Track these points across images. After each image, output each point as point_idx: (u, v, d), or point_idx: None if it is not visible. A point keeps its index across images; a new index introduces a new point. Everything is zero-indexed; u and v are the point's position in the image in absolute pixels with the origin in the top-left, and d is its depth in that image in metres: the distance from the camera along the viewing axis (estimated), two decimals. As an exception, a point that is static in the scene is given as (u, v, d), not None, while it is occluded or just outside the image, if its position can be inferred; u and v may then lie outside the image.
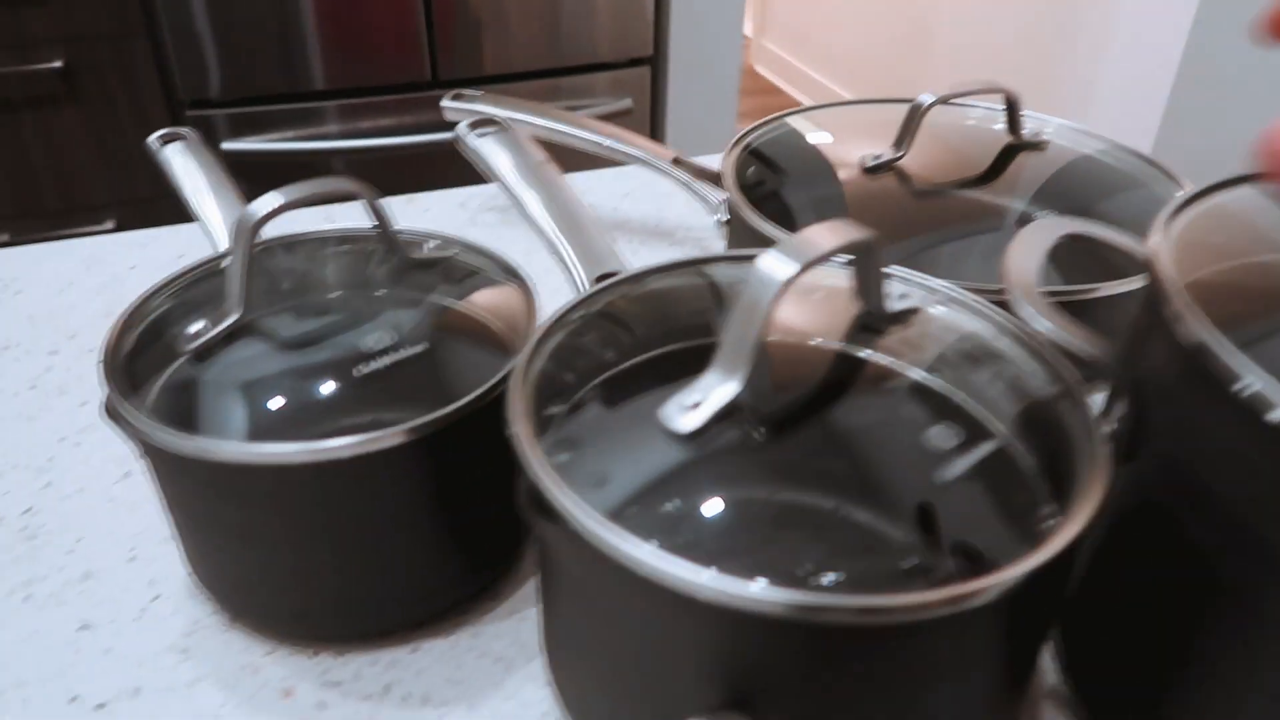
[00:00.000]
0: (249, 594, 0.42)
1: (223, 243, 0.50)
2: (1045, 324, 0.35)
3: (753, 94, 3.33)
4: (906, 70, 2.76)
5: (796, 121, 0.68)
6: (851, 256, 0.36)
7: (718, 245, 0.73)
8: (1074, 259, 0.47)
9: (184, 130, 0.57)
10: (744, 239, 0.58)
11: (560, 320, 0.38)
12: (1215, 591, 0.32)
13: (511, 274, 0.45)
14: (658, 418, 0.32)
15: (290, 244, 0.45)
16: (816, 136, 0.67)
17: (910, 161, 0.62)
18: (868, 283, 0.36)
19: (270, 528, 0.39)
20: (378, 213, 0.43)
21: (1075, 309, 0.40)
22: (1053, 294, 0.39)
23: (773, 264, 0.31)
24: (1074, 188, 0.62)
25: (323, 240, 0.46)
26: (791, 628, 0.27)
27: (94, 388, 0.58)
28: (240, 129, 1.61)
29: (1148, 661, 0.35)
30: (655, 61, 1.82)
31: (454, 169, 1.87)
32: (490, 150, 0.52)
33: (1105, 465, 0.31)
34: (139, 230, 0.75)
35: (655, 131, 1.91)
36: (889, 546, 0.31)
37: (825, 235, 0.32)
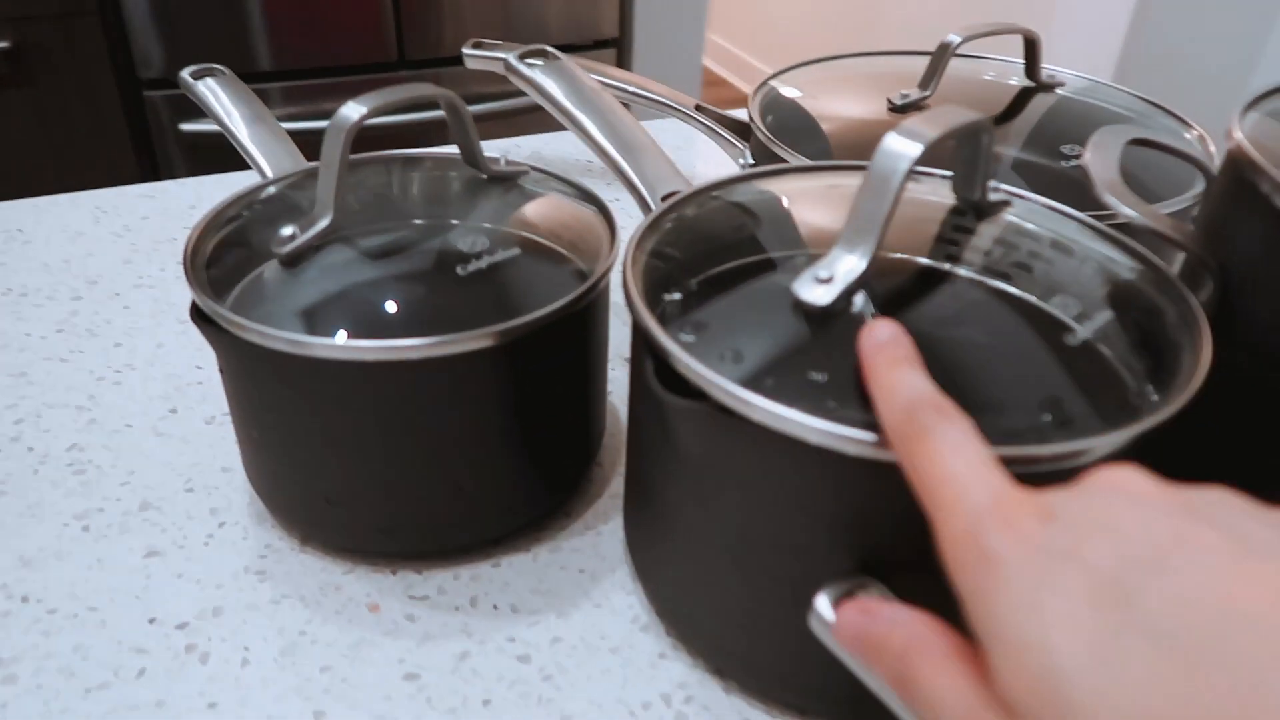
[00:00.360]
0: (326, 511, 0.41)
1: (269, 170, 0.49)
2: (1131, 212, 0.37)
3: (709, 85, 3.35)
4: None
5: (801, 77, 0.69)
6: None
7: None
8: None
9: (216, 66, 0.55)
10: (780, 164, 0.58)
11: (653, 225, 0.38)
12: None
13: (587, 195, 0.45)
14: (790, 291, 0.32)
15: (362, 162, 0.44)
16: (853, 76, 0.69)
17: (936, 101, 0.63)
18: (973, 171, 0.36)
19: (353, 433, 0.38)
20: (459, 118, 0.42)
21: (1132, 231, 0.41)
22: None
23: (900, 143, 0.31)
24: (1090, 127, 0.64)
25: (400, 158, 0.45)
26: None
27: (126, 330, 0.56)
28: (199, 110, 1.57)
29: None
30: (621, 43, 1.83)
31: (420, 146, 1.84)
32: (542, 79, 0.52)
33: (1207, 340, 0.33)
34: (144, 184, 0.73)
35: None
36: (1014, 408, 0.32)
37: (944, 115, 0.33)
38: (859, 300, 0.33)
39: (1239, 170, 0.35)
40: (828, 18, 2.94)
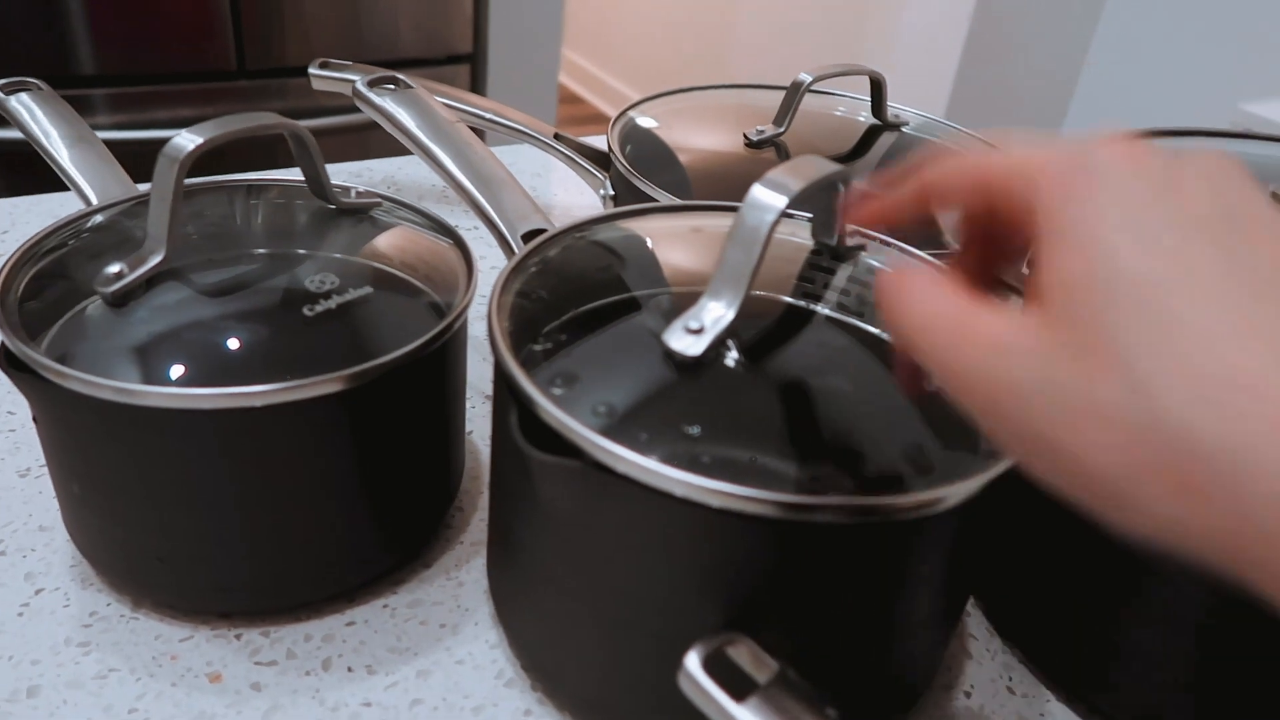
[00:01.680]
0: (159, 570, 0.38)
1: (94, 196, 0.45)
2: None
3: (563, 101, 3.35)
4: (707, 72, 2.86)
5: (658, 107, 0.69)
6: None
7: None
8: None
9: (31, 80, 0.51)
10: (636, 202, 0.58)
11: (517, 268, 0.37)
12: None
13: (442, 227, 0.44)
14: (659, 341, 0.32)
15: (201, 189, 0.41)
16: (709, 113, 0.69)
17: (789, 137, 0.64)
18: (831, 217, 0.37)
19: (191, 487, 0.35)
20: (306, 150, 0.40)
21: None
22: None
23: (767, 195, 0.31)
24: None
25: (241, 187, 0.42)
26: (804, 529, 0.28)
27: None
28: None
29: (1059, 586, 0.39)
30: (475, 59, 1.80)
31: (263, 160, 1.78)
32: (393, 108, 0.50)
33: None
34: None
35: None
36: (870, 461, 0.32)
37: (807, 166, 0.33)
38: (729, 349, 0.33)
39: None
40: (681, 37, 3.00)
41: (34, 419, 0.37)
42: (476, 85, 1.83)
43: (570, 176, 0.73)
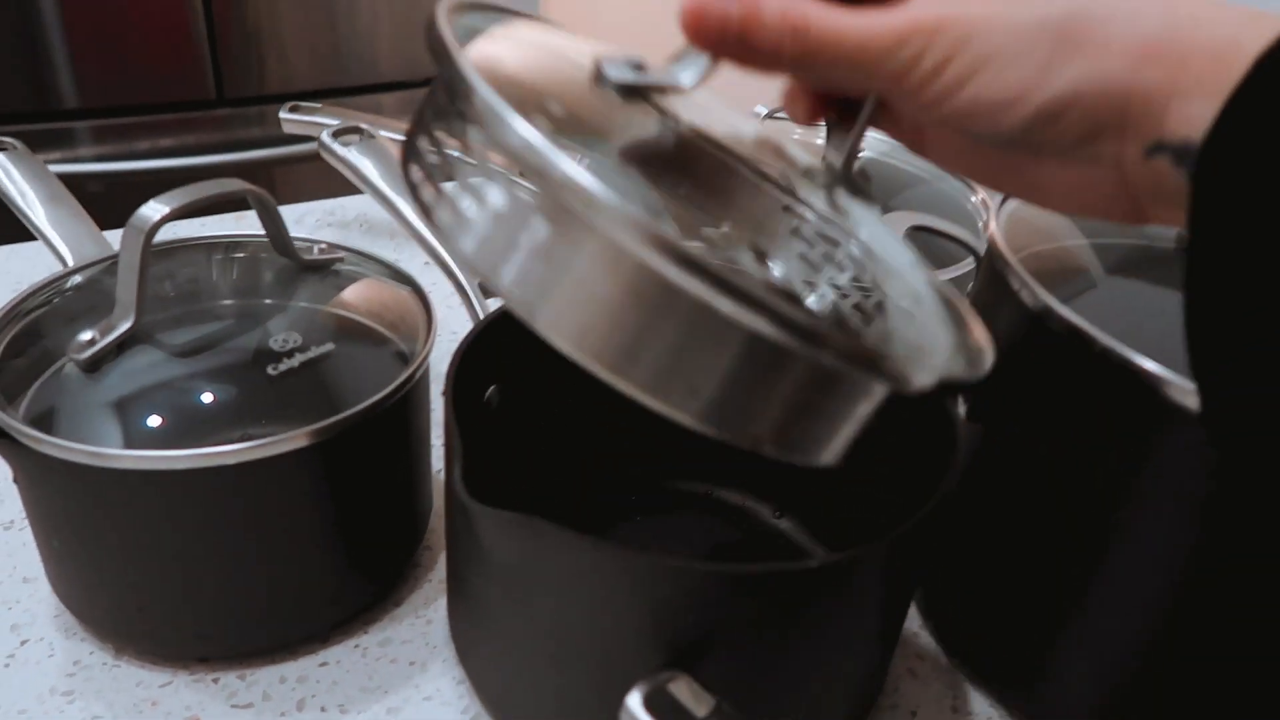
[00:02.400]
0: (139, 620, 0.40)
1: (69, 257, 0.47)
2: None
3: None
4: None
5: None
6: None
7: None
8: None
9: (7, 139, 0.52)
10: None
11: (480, 337, 0.39)
12: (1065, 533, 0.37)
13: (402, 276, 0.46)
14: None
15: (171, 249, 0.43)
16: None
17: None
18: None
19: (166, 542, 0.37)
20: (270, 216, 0.42)
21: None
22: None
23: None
24: (895, 187, 0.69)
25: (207, 245, 0.44)
26: (732, 579, 0.31)
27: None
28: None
29: (1003, 604, 0.41)
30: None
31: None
32: (357, 159, 0.52)
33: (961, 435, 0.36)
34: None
35: (455, 151, 1.90)
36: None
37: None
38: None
39: (994, 260, 0.39)
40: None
41: (14, 480, 0.39)
42: (454, 106, 1.85)
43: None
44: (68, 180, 1.62)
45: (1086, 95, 0.25)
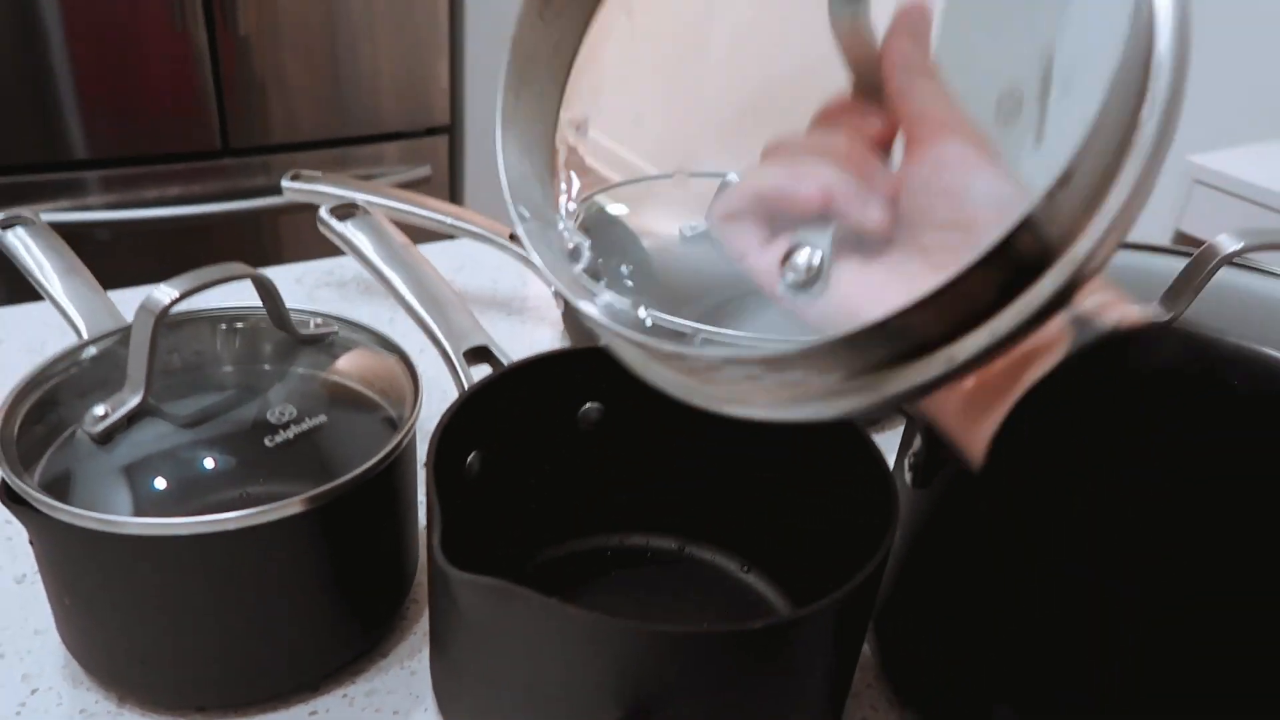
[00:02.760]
0: (144, 671, 0.43)
1: (84, 327, 0.50)
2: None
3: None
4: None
5: (612, 196, 0.75)
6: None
7: (553, 313, 0.79)
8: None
9: (25, 212, 0.56)
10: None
11: (463, 407, 0.43)
12: (1002, 590, 0.40)
13: (391, 346, 0.49)
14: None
15: (178, 322, 0.47)
16: (620, 208, 0.75)
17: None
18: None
19: (170, 601, 0.41)
20: (270, 295, 0.45)
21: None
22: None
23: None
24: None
25: (212, 318, 0.48)
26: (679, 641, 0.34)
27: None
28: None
29: (957, 655, 0.43)
30: (453, 130, 1.87)
31: (246, 236, 1.82)
32: (353, 234, 0.55)
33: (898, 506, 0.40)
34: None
35: (455, 198, 1.95)
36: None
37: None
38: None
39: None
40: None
41: (29, 541, 0.42)
42: (455, 155, 1.90)
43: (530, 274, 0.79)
44: (77, 228, 1.67)
45: None
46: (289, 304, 0.48)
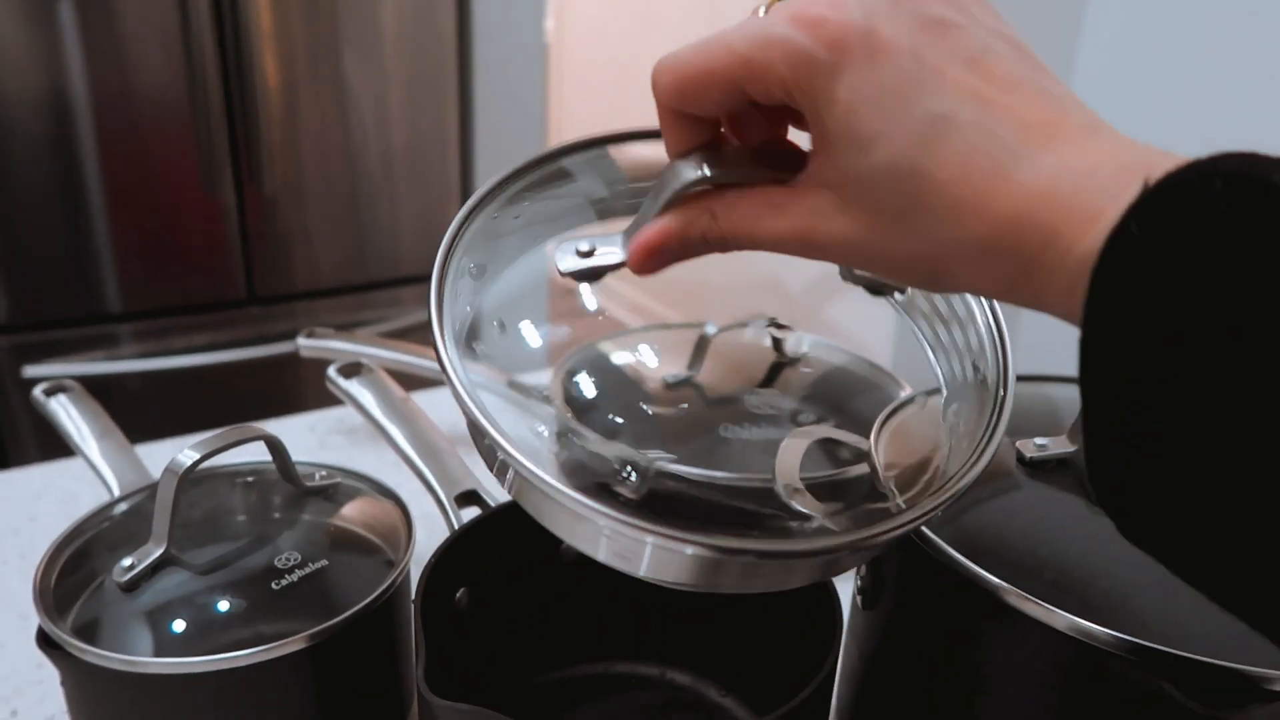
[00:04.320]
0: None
1: (115, 485, 0.56)
2: (801, 507, 0.48)
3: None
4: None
5: (607, 344, 0.81)
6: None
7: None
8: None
9: (67, 381, 0.63)
10: (570, 447, 0.69)
11: (449, 550, 0.48)
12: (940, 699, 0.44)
13: (388, 493, 0.54)
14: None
15: (198, 478, 0.52)
16: (623, 356, 0.81)
17: (703, 376, 0.76)
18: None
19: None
20: (279, 453, 0.51)
21: (835, 488, 0.54)
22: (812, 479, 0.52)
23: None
24: (831, 390, 0.78)
25: (228, 474, 0.54)
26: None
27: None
28: (36, 355, 1.60)
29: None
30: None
31: (269, 380, 1.89)
32: (357, 391, 0.61)
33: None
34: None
35: (468, 336, 2.02)
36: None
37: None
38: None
39: (874, 476, 0.48)
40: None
41: (60, 682, 0.47)
42: (468, 296, 1.99)
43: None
44: (111, 379, 1.74)
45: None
46: (302, 451, 0.54)
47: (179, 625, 0.46)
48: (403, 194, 1.85)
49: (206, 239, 1.69)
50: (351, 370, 0.63)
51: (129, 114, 1.55)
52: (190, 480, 0.52)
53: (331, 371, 0.62)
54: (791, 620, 0.50)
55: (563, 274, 0.38)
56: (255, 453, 0.54)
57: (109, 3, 1.48)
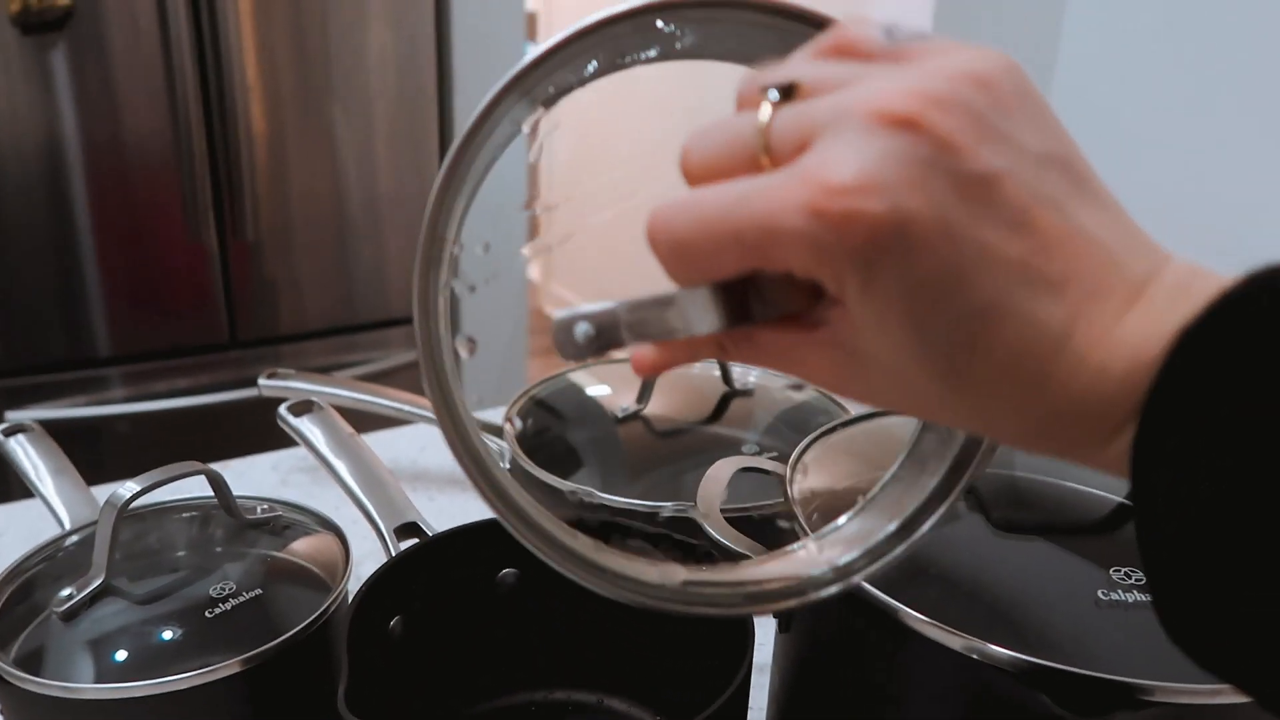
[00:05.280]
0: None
1: (67, 520, 0.58)
2: (718, 536, 0.50)
3: (542, 333, 3.58)
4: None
5: (575, 376, 0.84)
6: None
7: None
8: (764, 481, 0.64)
9: (27, 422, 0.65)
10: (525, 482, 0.71)
11: (384, 577, 0.49)
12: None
13: (328, 524, 0.56)
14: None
15: (143, 513, 0.54)
16: (591, 388, 0.84)
17: (652, 409, 0.78)
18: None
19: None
20: (219, 488, 0.53)
21: (754, 523, 0.55)
22: (735, 510, 0.54)
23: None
24: (777, 421, 0.80)
25: (172, 509, 0.56)
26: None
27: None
28: (22, 399, 1.62)
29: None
30: (451, 316, 1.99)
31: (250, 421, 1.91)
32: (307, 428, 0.63)
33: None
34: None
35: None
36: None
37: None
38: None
39: (790, 504, 0.50)
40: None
41: (0, 712, 0.49)
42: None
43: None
44: (98, 422, 1.75)
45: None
46: (265, 488, 0.56)
47: (119, 654, 0.48)
48: (388, 238, 1.88)
49: (190, 285, 1.71)
50: (302, 409, 0.65)
51: (117, 162, 1.59)
52: (135, 515, 0.54)
53: (282, 410, 0.65)
54: (718, 644, 0.52)
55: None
56: (205, 488, 0.56)
57: (100, 53, 1.52)
